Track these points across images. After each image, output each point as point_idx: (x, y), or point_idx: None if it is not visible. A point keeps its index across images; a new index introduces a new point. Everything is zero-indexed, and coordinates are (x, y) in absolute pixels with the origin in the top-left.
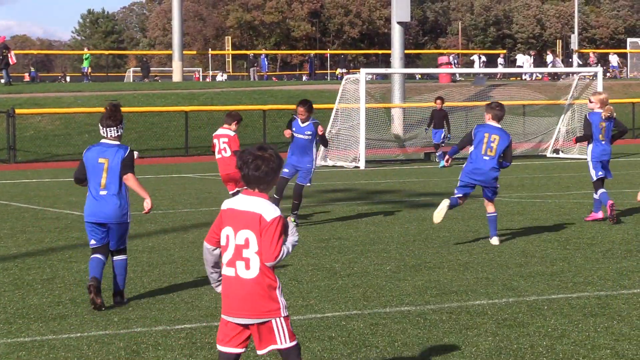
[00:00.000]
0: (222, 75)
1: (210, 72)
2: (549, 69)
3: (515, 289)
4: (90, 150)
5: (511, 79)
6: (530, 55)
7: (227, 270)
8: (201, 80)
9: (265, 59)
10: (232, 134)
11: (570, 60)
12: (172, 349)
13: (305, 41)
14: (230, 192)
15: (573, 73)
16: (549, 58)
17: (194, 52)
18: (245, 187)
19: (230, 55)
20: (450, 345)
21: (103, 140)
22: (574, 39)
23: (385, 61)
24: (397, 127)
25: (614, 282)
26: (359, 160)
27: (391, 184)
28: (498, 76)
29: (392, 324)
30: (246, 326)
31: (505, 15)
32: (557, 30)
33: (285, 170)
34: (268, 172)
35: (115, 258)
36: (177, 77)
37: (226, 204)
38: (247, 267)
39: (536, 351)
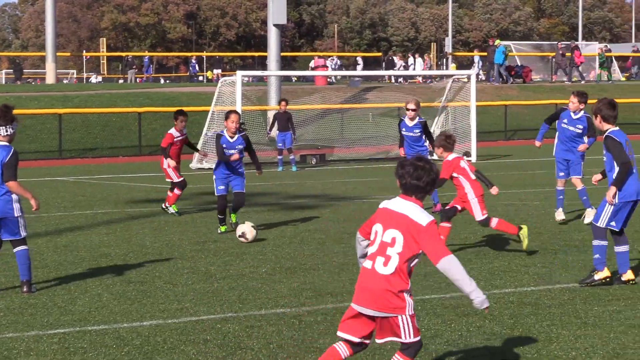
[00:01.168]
0: (96, 78)
1: (85, 74)
2: (424, 72)
3: None
4: None
5: (387, 81)
6: (398, 58)
7: (366, 263)
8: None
9: (149, 61)
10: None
11: (445, 62)
12: (45, 354)
13: (182, 43)
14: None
15: (447, 75)
16: (410, 61)
17: (68, 54)
18: (401, 192)
19: (105, 57)
20: (326, 346)
21: None
22: (448, 42)
23: (262, 63)
24: (274, 129)
25: (486, 281)
26: None
27: (267, 187)
28: (379, 79)
29: (267, 326)
30: (372, 319)
31: (380, 18)
32: (431, 34)
33: (222, 187)
34: (428, 182)
35: (15, 250)
36: (50, 79)
37: (383, 204)
38: (385, 264)
39: None
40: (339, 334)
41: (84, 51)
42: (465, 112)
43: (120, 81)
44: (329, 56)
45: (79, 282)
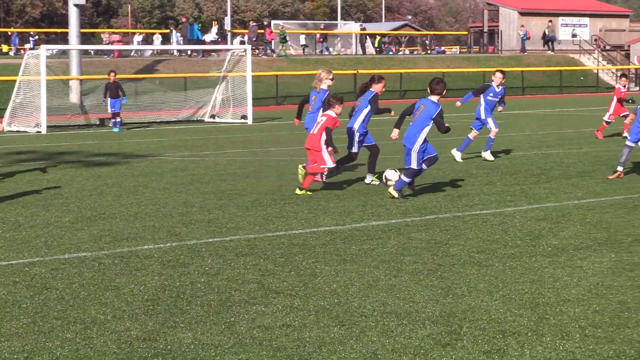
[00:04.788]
0: None
1: None
2: (204, 46)
3: (178, 234)
4: None
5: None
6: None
7: None
8: None
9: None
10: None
11: (224, 38)
12: None
13: None
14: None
15: (227, 49)
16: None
17: None
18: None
19: None
20: (122, 284)
21: None
22: (227, 21)
23: (64, 39)
24: (75, 96)
25: (260, 226)
26: (40, 125)
27: (70, 146)
28: (170, 52)
29: (70, 268)
30: None
31: None
32: (213, 13)
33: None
34: None
35: None
36: None
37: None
38: None
39: (195, 287)
40: None
41: None
42: (242, 81)
43: None
44: (126, 33)
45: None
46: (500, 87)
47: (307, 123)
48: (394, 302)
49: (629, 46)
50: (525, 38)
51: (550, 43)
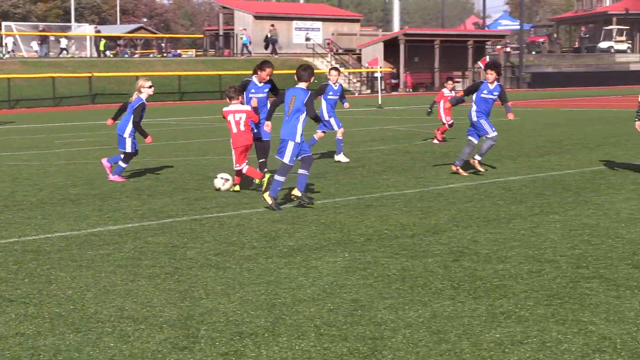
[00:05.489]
0: None
1: None
2: None
3: None
4: None
5: None
6: None
7: None
8: None
9: None
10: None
11: None
12: None
13: None
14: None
15: None
16: None
17: None
18: None
19: None
20: None
21: None
22: None
23: None
24: None
25: None
26: None
27: None
28: None
29: None
30: None
31: None
32: None
33: None
34: None
35: None
36: None
37: None
38: None
39: None
40: None
41: None
42: None
43: None
44: None
45: None
46: (338, 85)
47: (119, 129)
48: (131, 306)
49: (360, 50)
50: (248, 42)
51: (271, 45)
